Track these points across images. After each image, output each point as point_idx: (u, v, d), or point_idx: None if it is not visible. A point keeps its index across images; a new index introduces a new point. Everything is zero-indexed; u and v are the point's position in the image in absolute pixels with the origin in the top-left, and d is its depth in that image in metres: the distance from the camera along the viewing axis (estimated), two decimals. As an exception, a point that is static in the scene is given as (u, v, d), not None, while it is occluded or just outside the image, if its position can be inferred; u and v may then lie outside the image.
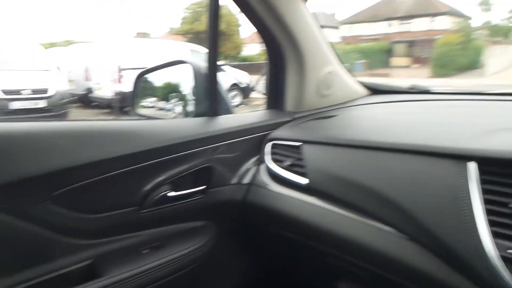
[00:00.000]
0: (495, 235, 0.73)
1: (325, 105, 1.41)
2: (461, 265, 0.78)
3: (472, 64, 19.82)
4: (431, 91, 1.49)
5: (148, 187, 1.04)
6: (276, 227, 1.19)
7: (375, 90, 1.57)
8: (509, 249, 0.71)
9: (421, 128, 1.02)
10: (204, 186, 1.15)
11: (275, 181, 1.19)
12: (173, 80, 2.09)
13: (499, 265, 0.71)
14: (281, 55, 1.32)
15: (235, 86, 9.42)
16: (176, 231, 1.15)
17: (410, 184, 0.89)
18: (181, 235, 1.16)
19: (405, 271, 0.88)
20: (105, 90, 8.94)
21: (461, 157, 0.83)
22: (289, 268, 1.41)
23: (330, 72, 1.38)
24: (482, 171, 0.79)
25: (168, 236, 1.13)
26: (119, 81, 8.40)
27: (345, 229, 0.99)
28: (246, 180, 1.25)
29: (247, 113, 1.38)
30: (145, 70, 1.60)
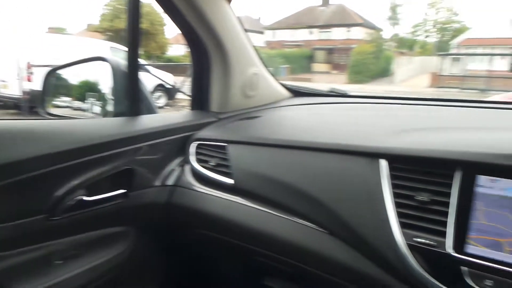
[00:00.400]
0: (403, 225, 0.80)
1: (250, 106, 1.43)
2: (375, 255, 0.84)
3: (383, 72, 21.67)
4: (349, 94, 1.59)
5: (60, 192, 0.96)
6: (202, 228, 1.17)
7: (297, 93, 1.63)
8: (415, 238, 0.78)
9: (339, 128, 1.08)
10: (125, 190, 1.09)
11: (200, 182, 1.17)
12: (91, 78, 1.96)
13: (407, 253, 0.78)
14: (206, 55, 1.31)
15: (160, 87, 9.11)
16: (95, 238, 1.07)
17: (329, 181, 0.94)
18: (100, 242, 1.08)
19: (327, 264, 0.93)
20: (12, 88, 8.07)
21: (374, 155, 0.89)
22: (215, 269, 1.39)
23: (255, 73, 1.40)
24: (392, 168, 0.86)
25: (86, 244, 1.05)
26: (29, 79, 7.64)
27: (270, 227, 1.01)
28: (170, 181, 1.21)
29: (171, 114, 1.34)
30: (57, 67, 1.47)
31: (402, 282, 0.80)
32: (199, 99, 1.40)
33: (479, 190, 0.76)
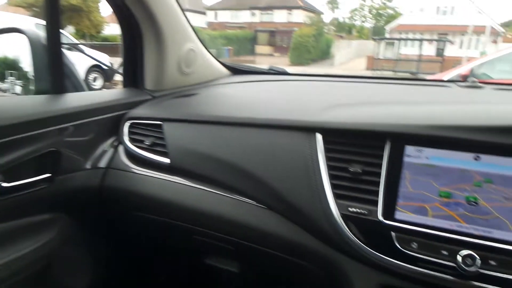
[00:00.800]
0: (337, 196, 0.82)
1: (187, 83, 1.38)
2: (312, 227, 0.85)
3: (323, 55, 22.25)
4: (287, 72, 1.60)
5: None
6: (139, 211, 1.12)
7: (236, 70, 1.61)
8: (349, 208, 0.80)
9: (277, 105, 1.07)
10: (50, 174, 1.00)
11: (135, 163, 1.12)
12: (10, 54, 1.77)
13: (341, 223, 0.80)
14: (137, 29, 1.23)
15: (96, 68, 8.58)
16: (16, 228, 0.98)
17: (267, 157, 0.93)
18: (23, 231, 0.99)
19: (267, 239, 0.93)
20: None
21: (310, 129, 0.90)
22: (156, 251, 1.35)
23: (191, 49, 1.35)
24: (326, 141, 0.88)
25: (5, 235, 0.96)
26: None
27: (209, 205, 0.99)
28: (103, 163, 1.14)
29: (101, 91, 1.25)
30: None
31: (339, 251, 0.83)
32: (132, 76, 1.32)
33: (406, 160, 0.80)
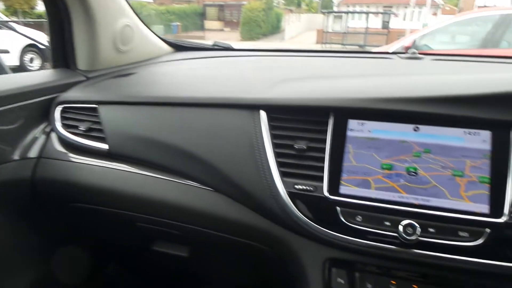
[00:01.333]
0: (283, 174, 0.81)
1: (124, 62, 1.29)
2: (260, 207, 0.84)
3: (273, 29, 22.13)
4: (232, 48, 1.54)
5: None
6: (77, 202, 1.05)
7: (179, 47, 1.53)
8: (296, 185, 0.80)
9: (220, 82, 1.03)
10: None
11: (70, 150, 1.04)
12: None
13: (287, 201, 0.79)
14: (63, 3, 1.12)
15: (32, 48, 7.93)
16: None
17: (211, 137, 0.90)
18: None
19: (215, 222, 0.91)
20: None
21: (254, 107, 0.87)
22: (99, 242, 1.29)
23: (126, 25, 1.25)
24: (271, 118, 0.86)
25: None
26: None
27: (152, 191, 0.94)
28: (33, 153, 1.04)
29: (27, 74, 1.13)
30: None
31: (287, 229, 0.82)
32: (62, 56, 1.20)
33: (350, 134, 0.80)
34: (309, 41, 18.37)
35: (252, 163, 0.83)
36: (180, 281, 1.22)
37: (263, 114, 0.86)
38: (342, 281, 0.78)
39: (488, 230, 0.68)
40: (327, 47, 15.80)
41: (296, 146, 0.81)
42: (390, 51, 1.75)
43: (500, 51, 4.14)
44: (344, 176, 0.77)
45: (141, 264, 1.25)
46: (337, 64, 1.20)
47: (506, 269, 0.68)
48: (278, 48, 1.47)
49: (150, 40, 1.39)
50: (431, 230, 0.70)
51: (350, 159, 0.78)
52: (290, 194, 0.79)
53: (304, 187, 0.79)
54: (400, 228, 0.71)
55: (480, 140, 0.73)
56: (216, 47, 1.53)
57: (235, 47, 1.54)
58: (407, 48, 4.97)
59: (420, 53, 1.26)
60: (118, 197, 0.97)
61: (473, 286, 0.73)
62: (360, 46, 15.34)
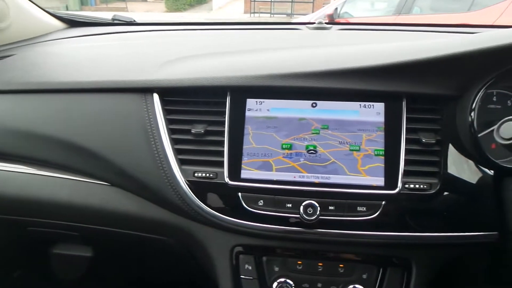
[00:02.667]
0: (182, 162, 0.75)
1: (2, 42, 1.11)
2: (159, 199, 0.77)
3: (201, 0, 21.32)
4: (136, 22, 1.41)
5: None
6: None
7: (73, 23, 1.36)
8: (196, 173, 0.74)
9: (111, 63, 0.92)
10: None
11: None
12: None
13: (187, 190, 0.74)
14: None
15: None
16: None
17: (100, 127, 0.80)
18: None
19: (114, 218, 0.83)
20: None
21: (145, 90, 0.79)
22: None
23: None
24: (165, 102, 0.78)
25: None
26: None
27: (40, 190, 0.84)
28: None
29: None
30: None
31: (191, 220, 0.77)
32: None
33: (248, 114, 0.75)
34: (238, 11, 18.02)
35: (147, 152, 0.76)
36: (91, 282, 1.13)
37: (156, 98, 0.78)
38: (250, 267, 0.76)
39: (383, 202, 0.69)
40: (256, 17, 15.63)
41: (193, 131, 0.75)
42: (306, 21, 1.72)
43: (411, 18, 4.37)
44: (245, 160, 0.74)
45: (45, 269, 1.14)
46: (242, 38, 1.13)
47: (402, 238, 0.70)
48: (185, 22, 1.36)
49: (33, 15, 1.21)
50: (331, 208, 0.70)
51: (250, 141, 0.74)
52: (190, 183, 0.74)
53: (204, 174, 0.74)
54: (301, 209, 0.69)
55: (374, 113, 0.73)
56: (116, 21, 1.39)
57: (129, 17, 1.40)
58: (330, 15, 5.07)
59: (329, 23, 1.25)
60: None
61: (374, 258, 0.74)
62: (287, 15, 15.37)
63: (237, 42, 1.07)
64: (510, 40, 0.63)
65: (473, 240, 0.69)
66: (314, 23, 1.26)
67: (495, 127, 0.52)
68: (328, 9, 5.42)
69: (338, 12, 5.05)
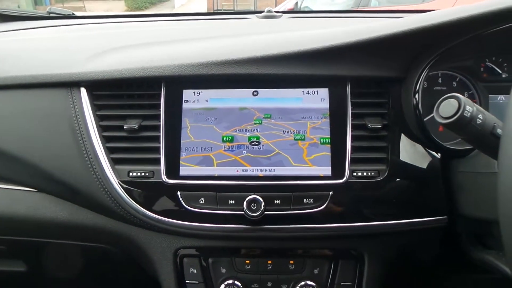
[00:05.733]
0: (115, 162, 0.69)
1: None
2: (92, 203, 0.71)
3: (162, -3, 20.89)
4: (73, 16, 1.31)
5: None
6: None
7: (4, 17, 1.25)
8: (130, 172, 0.68)
9: (35, 57, 0.83)
10: None
11: None
12: None
13: (121, 192, 0.67)
14: None
15: None
16: None
17: (21, 126, 0.72)
18: None
19: (44, 228, 0.75)
20: None
21: (71, 84, 0.72)
22: None
23: None
24: (94, 96, 0.72)
25: None
26: None
27: None
28: None
29: None
30: None
31: (129, 224, 0.71)
32: None
33: (185, 106, 0.70)
34: (201, 8, 17.79)
35: (76, 152, 0.69)
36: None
37: (83, 92, 0.71)
38: (195, 271, 0.70)
39: (331, 192, 0.65)
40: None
41: (126, 127, 0.69)
42: (246, 11, 1.67)
43: (369, 10, 4.43)
44: (183, 155, 0.68)
45: None
46: (182, 28, 1.07)
47: (352, 228, 0.67)
48: (128, 14, 1.28)
49: None
50: (277, 201, 0.65)
51: (188, 134, 0.69)
52: (124, 184, 0.68)
53: (140, 174, 0.68)
54: (244, 204, 0.64)
55: (318, 99, 0.69)
56: (52, 15, 1.29)
57: (67, 10, 1.30)
58: (290, 10, 5.07)
59: (278, 12, 1.21)
60: None
61: (325, 252, 0.71)
62: (252, 13, 15.34)
63: (176, 32, 1.00)
64: (448, 17, 0.60)
65: (423, 225, 0.67)
66: (262, 11, 1.21)
67: (435, 106, 0.50)
68: (289, 3, 5.42)
69: (299, 6, 5.05)
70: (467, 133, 0.50)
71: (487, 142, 0.50)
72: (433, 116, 0.72)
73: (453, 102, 0.48)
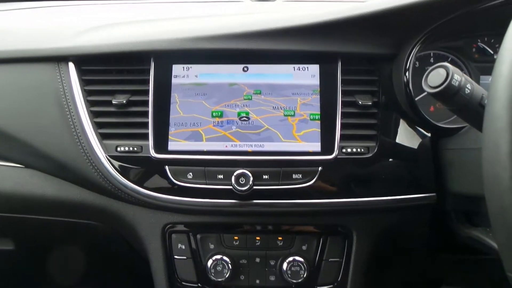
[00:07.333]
0: (104, 136, 0.68)
1: None
2: (80, 179, 0.70)
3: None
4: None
5: None
6: None
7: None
8: (118, 147, 0.67)
9: (21, 31, 0.81)
10: None
11: None
12: None
13: (108, 167, 0.67)
14: None
15: None
16: None
17: (9, 102, 0.72)
18: None
19: (30, 204, 0.74)
20: None
21: (59, 58, 0.71)
22: None
23: None
24: (82, 71, 0.71)
25: None
26: None
27: None
28: None
29: None
30: None
31: (117, 199, 0.70)
32: None
33: (175, 81, 0.69)
34: None
35: (63, 127, 0.69)
36: (18, 279, 1.03)
37: (71, 67, 0.70)
38: (183, 247, 0.70)
39: (320, 168, 0.65)
40: None
41: (115, 102, 0.68)
42: None
43: None
44: (172, 130, 0.67)
45: None
46: (175, 8, 1.05)
47: (341, 204, 0.67)
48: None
49: None
50: (265, 177, 0.65)
51: (178, 109, 0.68)
52: (112, 159, 0.67)
53: (128, 148, 0.67)
54: (233, 179, 0.64)
55: (309, 76, 0.69)
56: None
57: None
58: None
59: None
60: None
61: (313, 228, 0.71)
62: None
63: (167, 11, 0.99)
64: None
65: (412, 203, 0.67)
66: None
67: (424, 76, 0.50)
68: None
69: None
70: (455, 103, 0.49)
71: (475, 113, 0.50)
72: (424, 95, 0.72)
73: (442, 71, 0.48)
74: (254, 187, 0.64)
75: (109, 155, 0.67)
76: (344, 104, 0.67)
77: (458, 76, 0.48)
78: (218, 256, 0.68)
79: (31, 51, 0.71)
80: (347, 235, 0.70)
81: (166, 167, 0.66)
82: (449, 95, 0.48)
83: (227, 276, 0.67)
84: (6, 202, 0.74)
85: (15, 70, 0.72)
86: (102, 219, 0.75)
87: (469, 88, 0.49)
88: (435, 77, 0.48)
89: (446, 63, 0.48)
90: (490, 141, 0.36)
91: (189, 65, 0.69)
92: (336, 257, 0.70)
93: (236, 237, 0.70)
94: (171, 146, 0.67)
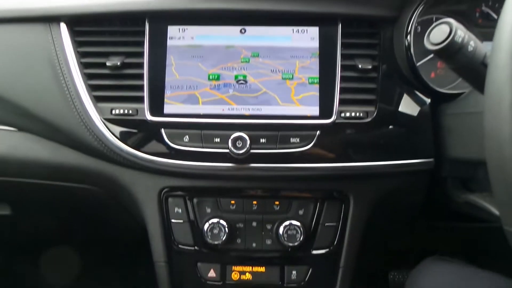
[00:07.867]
0: (98, 99, 0.67)
1: None
2: (74, 141, 0.69)
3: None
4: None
5: None
6: None
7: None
8: (113, 110, 0.66)
9: None
10: None
11: None
12: None
13: (104, 130, 0.66)
14: None
15: None
16: None
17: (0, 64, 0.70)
18: None
19: (24, 168, 0.74)
20: None
21: (50, 19, 0.69)
22: None
23: None
24: (75, 32, 0.69)
25: None
26: None
27: None
28: None
29: None
30: None
31: (112, 163, 0.70)
32: None
33: (170, 43, 0.67)
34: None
35: (56, 89, 0.67)
36: (17, 244, 1.04)
37: (63, 28, 0.68)
38: (180, 210, 0.70)
39: (318, 132, 0.64)
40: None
41: (109, 64, 0.67)
42: None
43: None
44: (168, 93, 0.66)
45: None
46: None
47: (338, 169, 0.66)
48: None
49: None
50: (263, 140, 0.64)
51: (173, 72, 0.67)
52: (107, 121, 0.66)
53: (123, 111, 0.66)
54: (230, 142, 0.63)
55: (308, 38, 0.67)
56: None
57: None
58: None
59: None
60: None
61: (310, 193, 0.71)
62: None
63: None
64: None
65: (409, 168, 0.67)
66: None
67: (426, 33, 0.48)
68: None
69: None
70: (457, 62, 0.48)
71: (477, 72, 0.48)
72: (426, 61, 0.71)
73: (445, 27, 0.47)
74: (251, 151, 0.63)
75: (104, 118, 0.66)
76: (343, 68, 0.66)
77: (462, 32, 0.46)
78: (215, 220, 0.68)
79: (21, 11, 0.69)
80: (343, 200, 0.70)
81: (162, 130, 0.65)
82: (451, 52, 0.47)
83: (223, 239, 0.67)
84: (1, 165, 0.74)
85: (5, 30, 0.70)
86: (98, 183, 0.74)
87: (472, 45, 0.47)
88: (438, 34, 0.47)
89: (449, 19, 0.47)
90: (493, 91, 0.35)
91: (185, 27, 0.68)
92: (332, 221, 0.70)
93: (233, 201, 0.69)
94: (167, 109, 0.66)
